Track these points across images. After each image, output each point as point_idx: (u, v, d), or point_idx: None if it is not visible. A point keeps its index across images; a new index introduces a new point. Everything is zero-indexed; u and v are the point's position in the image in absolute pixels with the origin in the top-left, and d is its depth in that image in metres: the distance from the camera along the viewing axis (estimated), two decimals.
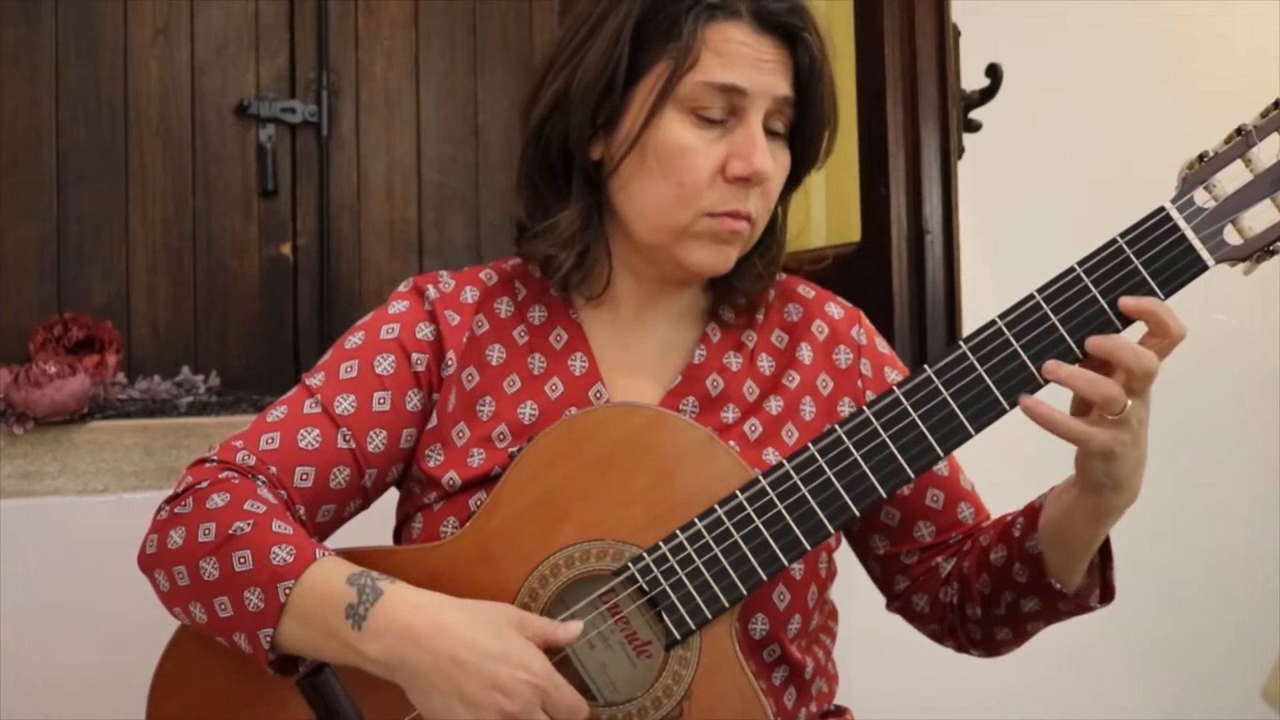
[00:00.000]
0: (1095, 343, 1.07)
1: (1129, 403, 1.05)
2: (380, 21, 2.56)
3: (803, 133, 1.25)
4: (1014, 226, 2.36)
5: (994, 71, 2.17)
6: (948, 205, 2.10)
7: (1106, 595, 1.23)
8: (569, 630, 1.10)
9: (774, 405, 1.27)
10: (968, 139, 2.17)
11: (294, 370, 2.40)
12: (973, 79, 2.16)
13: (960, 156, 2.15)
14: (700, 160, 1.19)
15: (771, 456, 1.23)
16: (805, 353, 1.30)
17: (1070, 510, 1.15)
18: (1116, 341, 1.06)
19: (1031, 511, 1.21)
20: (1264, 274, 2.50)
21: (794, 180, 1.30)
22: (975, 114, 2.20)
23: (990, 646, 1.30)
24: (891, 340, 2.02)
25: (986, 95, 2.18)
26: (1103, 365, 1.07)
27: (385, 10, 2.56)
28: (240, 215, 2.43)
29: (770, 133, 1.22)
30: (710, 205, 1.20)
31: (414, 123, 2.58)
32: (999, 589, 1.23)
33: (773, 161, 1.21)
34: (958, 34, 2.14)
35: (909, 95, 2.10)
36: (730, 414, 1.26)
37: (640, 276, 1.29)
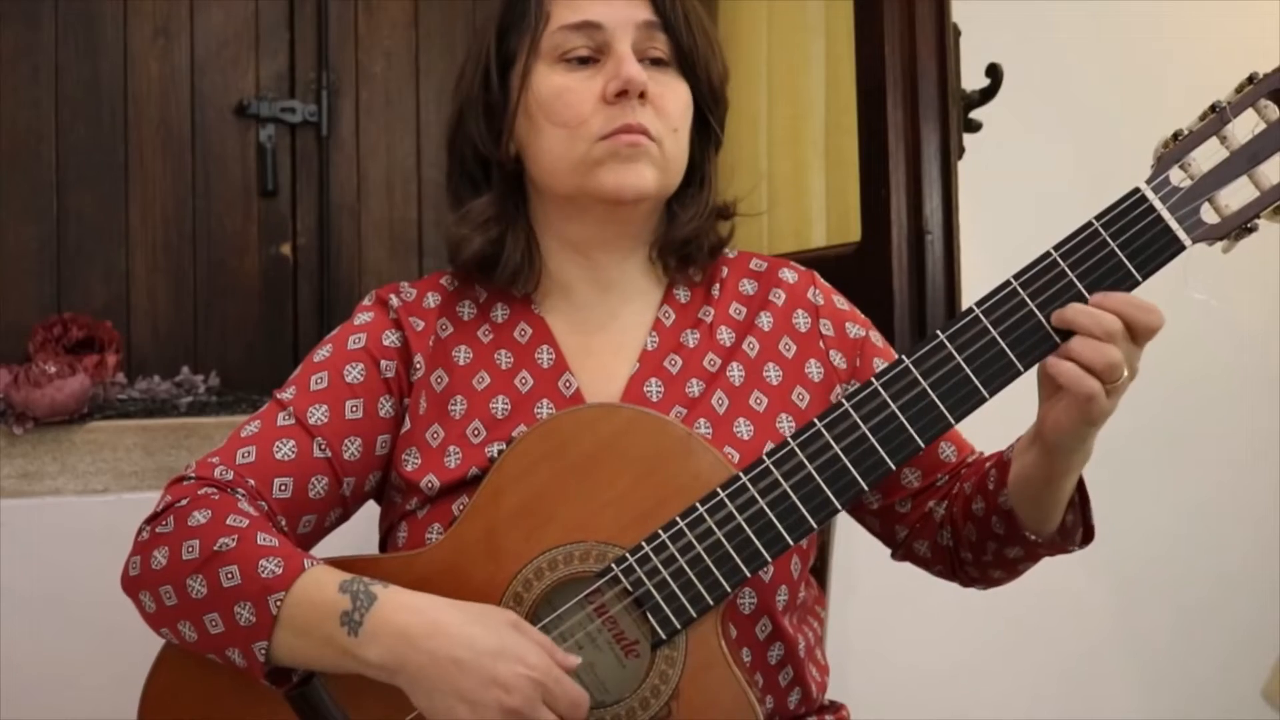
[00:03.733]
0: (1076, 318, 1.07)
1: (1126, 371, 1.06)
2: (380, 21, 2.56)
3: (687, 61, 1.29)
4: (1014, 226, 2.34)
5: (994, 71, 2.15)
6: (948, 205, 2.09)
7: (1088, 536, 1.24)
8: (564, 661, 1.09)
9: (736, 373, 1.28)
10: (968, 139, 2.16)
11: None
12: (973, 79, 2.15)
13: (960, 156, 2.13)
14: (577, 95, 1.24)
15: (743, 429, 1.24)
16: (765, 320, 1.32)
17: (1032, 469, 1.16)
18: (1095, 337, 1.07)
19: (1003, 464, 1.23)
20: (1270, 270, 2.51)
21: (704, 126, 1.32)
22: (975, 114, 2.19)
23: (988, 584, 1.34)
24: (891, 340, 2.01)
25: (986, 95, 2.17)
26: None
27: (385, 10, 2.57)
28: (240, 215, 2.44)
29: (653, 61, 1.26)
30: (599, 129, 1.23)
31: (414, 123, 2.59)
32: (983, 538, 1.26)
33: (663, 88, 1.25)
34: (958, 34, 2.13)
35: (909, 95, 2.09)
36: (695, 388, 1.27)
37: (581, 247, 1.31)
